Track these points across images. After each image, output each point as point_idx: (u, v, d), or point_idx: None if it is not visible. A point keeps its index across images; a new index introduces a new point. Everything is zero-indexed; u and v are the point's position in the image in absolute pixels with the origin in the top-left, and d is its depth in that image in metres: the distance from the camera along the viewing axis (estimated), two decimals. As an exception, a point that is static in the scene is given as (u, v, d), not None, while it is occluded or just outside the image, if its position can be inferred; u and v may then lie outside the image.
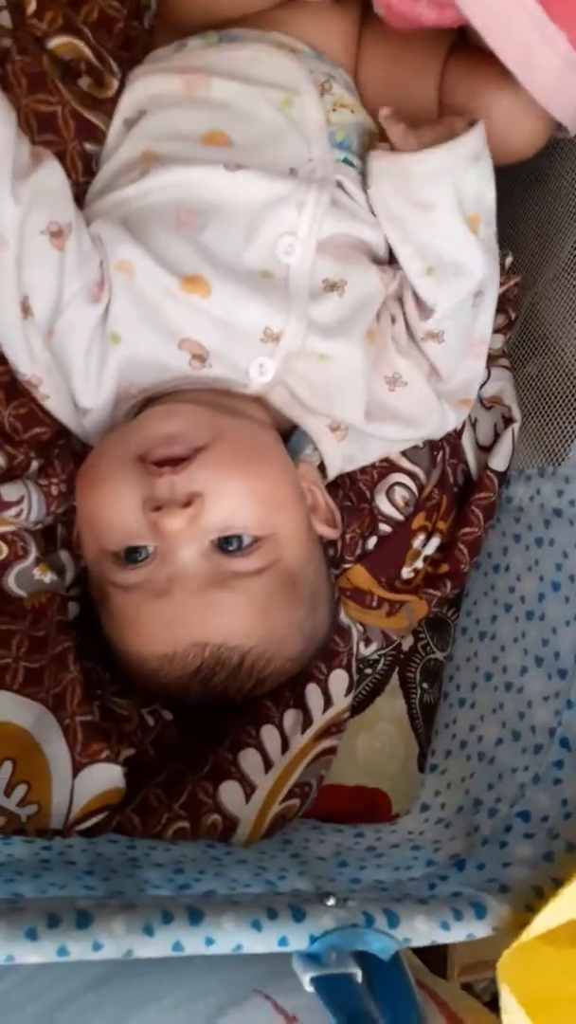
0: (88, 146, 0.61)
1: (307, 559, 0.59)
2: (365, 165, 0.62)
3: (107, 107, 0.62)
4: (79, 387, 0.60)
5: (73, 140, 0.60)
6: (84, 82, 0.61)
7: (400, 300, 0.65)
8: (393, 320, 0.65)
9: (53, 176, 0.56)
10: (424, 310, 0.64)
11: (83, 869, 0.48)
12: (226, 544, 0.55)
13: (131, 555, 0.55)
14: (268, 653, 0.56)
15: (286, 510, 0.58)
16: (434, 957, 0.78)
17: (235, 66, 0.62)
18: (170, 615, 0.54)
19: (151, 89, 0.62)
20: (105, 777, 0.53)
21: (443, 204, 0.60)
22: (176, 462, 0.54)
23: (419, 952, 0.77)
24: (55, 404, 0.60)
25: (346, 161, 0.63)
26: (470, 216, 0.62)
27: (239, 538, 0.55)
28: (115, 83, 0.62)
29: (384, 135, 0.63)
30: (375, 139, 0.66)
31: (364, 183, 0.63)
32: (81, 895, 0.44)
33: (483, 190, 0.62)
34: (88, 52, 0.61)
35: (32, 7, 0.60)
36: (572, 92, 0.61)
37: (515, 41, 0.58)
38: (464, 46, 0.67)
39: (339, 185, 0.62)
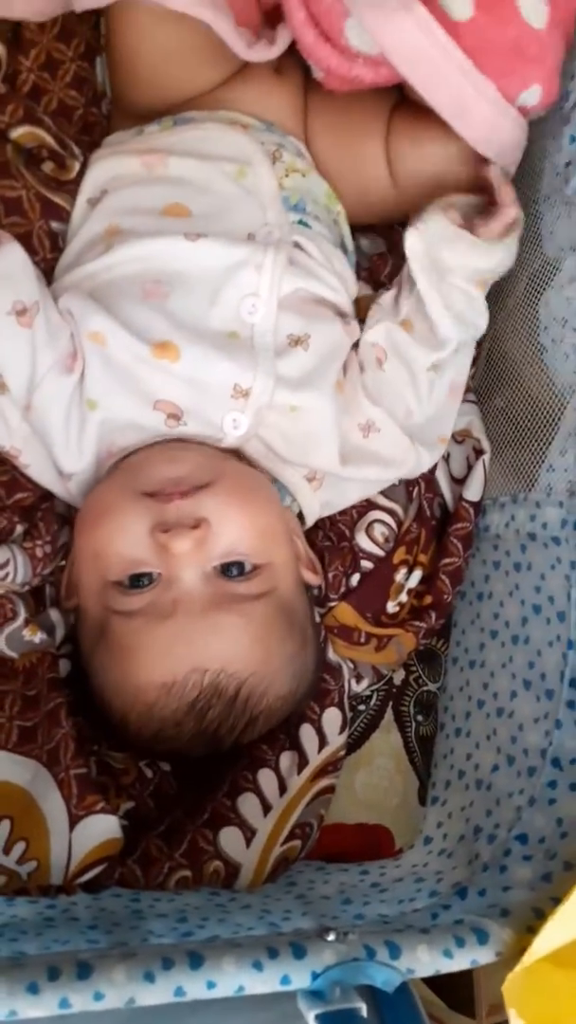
0: (54, 224, 0.65)
1: (298, 594, 0.62)
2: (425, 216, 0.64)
3: (70, 188, 0.66)
4: (60, 454, 0.62)
5: (40, 220, 0.64)
6: (47, 167, 0.65)
7: (374, 345, 0.67)
8: (362, 368, 0.67)
9: (14, 259, 0.60)
10: (435, 342, 0.66)
11: (87, 924, 0.49)
12: (228, 570, 0.57)
13: (135, 582, 0.57)
14: (263, 686, 0.57)
15: (281, 543, 0.61)
16: (462, 996, 0.77)
17: (189, 145, 0.66)
18: (174, 637, 0.55)
19: (112, 171, 0.66)
20: (102, 828, 0.54)
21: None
22: (184, 493, 0.57)
23: (445, 991, 0.76)
24: (36, 472, 0.63)
25: (302, 223, 0.67)
26: (478, 281, 0.66)
27: (240, 564, 0.57)
28: (76, 166, 0.66)
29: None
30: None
31: (321, 241, 0.66)
32: (84, 949, 0.44)
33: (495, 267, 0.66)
34: (49, 139, 0.65)
35: None
36: (505, 135, 0.65)
37: (448, 92, 0.62)
38: (406, 102, 0.70)
39: (297, 245, 0.65)
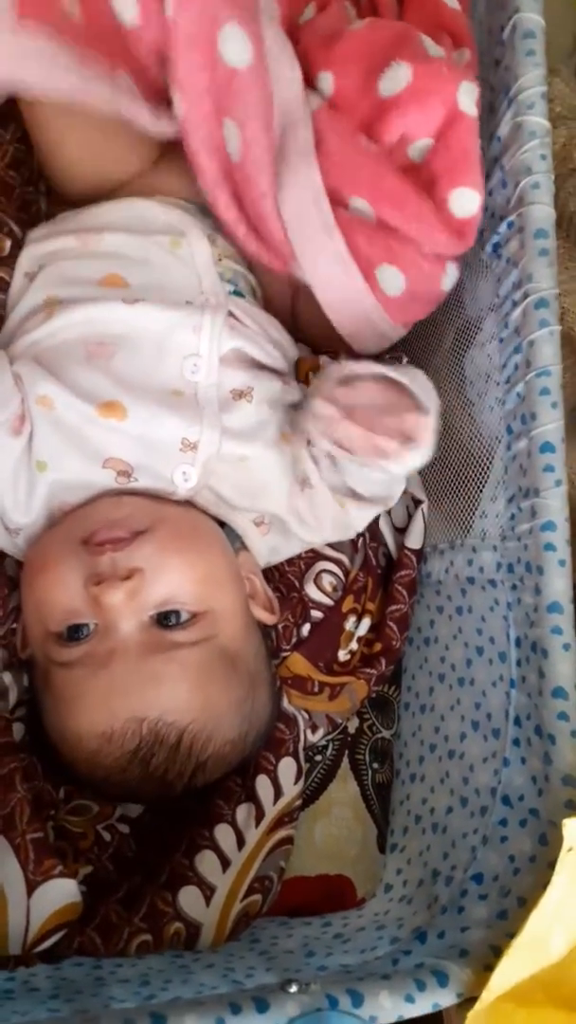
0: (-6, 295, 0.67)
1: (245, 639, 0.62)
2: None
3: (7, 261, 0.68)
4: (9, 510, 0.63)
5: (-21, 292, 0.66)
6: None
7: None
8: (315, 461, 0.67)
9: None
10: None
11: (48, 994, 0.48)
12: (164, 619, 0.58)
13: (73, 633, 0.57)
14: (206, 732, 0.57)
15: (223, 590, 0.61)
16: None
17: (124, 222, 0.69)
18: (109, 687, 0.55)
19: (48, 248, 0.68)
20: (61, 893, 0.53)
21: None
22: (118, 542, 0.58)
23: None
24: None
25: (236, 292, 0.70)
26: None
27: (177, 613, 0.58)
28: (8, 243, 0.68)
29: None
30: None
31: (255, 312, 0.68)
32: (44, 1018, 0.44)
33: None
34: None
35: None
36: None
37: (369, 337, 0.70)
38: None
39: (231, 315, 0.67)
